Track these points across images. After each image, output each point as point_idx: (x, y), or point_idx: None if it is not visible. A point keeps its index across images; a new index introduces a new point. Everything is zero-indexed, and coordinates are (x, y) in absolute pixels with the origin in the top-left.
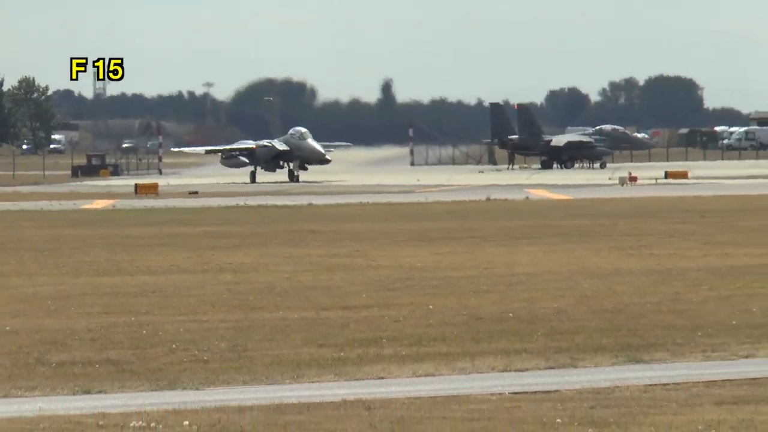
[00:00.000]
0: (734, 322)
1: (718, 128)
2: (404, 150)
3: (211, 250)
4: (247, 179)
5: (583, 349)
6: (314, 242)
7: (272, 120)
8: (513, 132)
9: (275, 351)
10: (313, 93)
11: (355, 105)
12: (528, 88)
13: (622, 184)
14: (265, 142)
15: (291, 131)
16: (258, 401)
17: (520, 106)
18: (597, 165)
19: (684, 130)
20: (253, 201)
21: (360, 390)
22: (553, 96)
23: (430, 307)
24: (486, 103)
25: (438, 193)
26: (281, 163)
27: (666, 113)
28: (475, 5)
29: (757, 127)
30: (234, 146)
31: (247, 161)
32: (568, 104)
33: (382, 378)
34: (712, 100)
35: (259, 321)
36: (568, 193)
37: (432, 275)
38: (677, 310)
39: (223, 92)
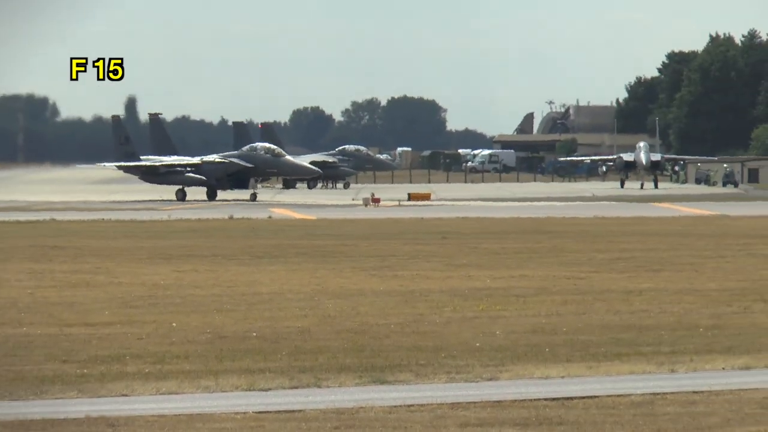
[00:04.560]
0: (478, 344)
1: (461, 150)
2: None
3: None
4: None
5: (327, 369)
6: (57, 258)
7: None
8: None
9: (18, 367)
10: (55, 109)
11: (99, 122)
12: (273, 108)
13: (366, 205)
14: (215, 158)
15: (248, 147)
16: (1, 417)
17: (263, 125)
18: (340, 185)
19: (427, 152)
20: None
21: (103, 407)
22: (298, 115)
23: (174, 324)
24: (230, 122)
25: (181, 210)
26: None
27: (409, 134)
28: (219, 22)
29: (500, 150)
30: (171, 161)
31: (204, 178)
32: (312, 124)
33: (126, 395)
34: (454, 122)
35: (1, 337)
36: (311, 213)
37: (175, 293)
38: (421, 332)
39: None
